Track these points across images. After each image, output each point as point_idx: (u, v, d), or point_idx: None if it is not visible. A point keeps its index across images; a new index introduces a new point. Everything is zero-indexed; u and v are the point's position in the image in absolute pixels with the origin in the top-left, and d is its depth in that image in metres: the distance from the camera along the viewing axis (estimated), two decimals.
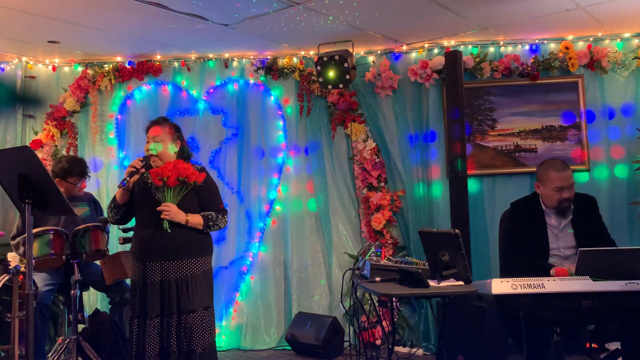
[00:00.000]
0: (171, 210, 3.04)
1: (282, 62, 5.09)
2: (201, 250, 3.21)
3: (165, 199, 3.07)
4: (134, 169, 3.18)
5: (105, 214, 3.49)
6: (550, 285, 2.52)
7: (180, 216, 3.07)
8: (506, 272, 3.38)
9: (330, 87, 4.72)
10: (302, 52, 5.08)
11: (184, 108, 5.16)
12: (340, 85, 4.67)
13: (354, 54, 4.71)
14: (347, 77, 4.61)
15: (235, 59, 5.15)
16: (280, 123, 5.15)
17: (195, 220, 3.14)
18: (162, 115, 4.91)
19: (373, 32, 4.56)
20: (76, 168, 4.00)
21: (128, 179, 3.16)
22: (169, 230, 3.06)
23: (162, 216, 3.03)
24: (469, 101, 4.75)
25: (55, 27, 4.25)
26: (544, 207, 3.37)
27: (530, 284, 2.52)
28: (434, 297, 3.61)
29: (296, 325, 4.69)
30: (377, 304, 4.41)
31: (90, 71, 5.13)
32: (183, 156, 3.29)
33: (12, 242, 3.91)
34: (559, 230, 3.34)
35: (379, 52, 5.02)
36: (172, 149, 3.25)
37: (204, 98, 5.17)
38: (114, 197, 3.28)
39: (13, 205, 2.84)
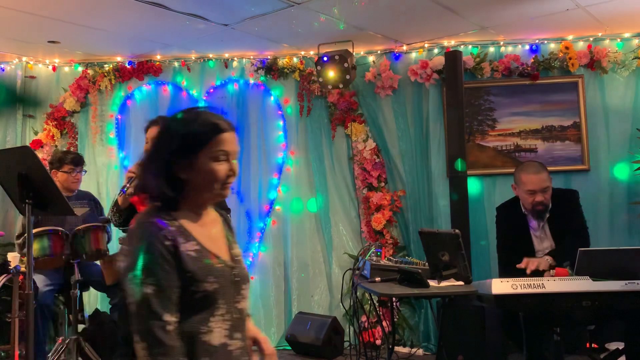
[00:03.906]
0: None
1: (282, 62, 5.09)
2: None
3: None
4: (134, 174, 3.16)
5: (106, 214, 3.48)
6: (550, 285, 2.52)
7: None
8: (504, 272, 3.38)
9: (330, 87, 4.72)
10: (302, 52, 5.08)
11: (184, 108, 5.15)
12: (340, 85, 4.67)
13: (354, 54, 4.71)
14: (347, 77, 4.60)
15: (235, 59, 5.15)
16: (280, 123, 5.15)
17: None
18: (162, 115, 4.93)
19: (373, 32, 4.56)
20: (69, 155, 4.01)
21: (128, 185, 3.12)
22: None
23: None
24: (469, 101, 4.74)
25: (55, 27, 4.25)
26: (524, 211, 3.35)
27: (530, 284, 2.52)
28: (434, 297, 3.61)
29: (296, 325, 4.68)
30: (377, 304, 4.41)
31: (90, 71, 5.13)
32: None
33: (17, 242, 3.90)
34: (540, 231, 3.32)
35: (379, 52, 5.01)
36: None
37: (204, 98, 5.16)
38: (116, 201, 3.25)
39: (13, 205, 2.84)
